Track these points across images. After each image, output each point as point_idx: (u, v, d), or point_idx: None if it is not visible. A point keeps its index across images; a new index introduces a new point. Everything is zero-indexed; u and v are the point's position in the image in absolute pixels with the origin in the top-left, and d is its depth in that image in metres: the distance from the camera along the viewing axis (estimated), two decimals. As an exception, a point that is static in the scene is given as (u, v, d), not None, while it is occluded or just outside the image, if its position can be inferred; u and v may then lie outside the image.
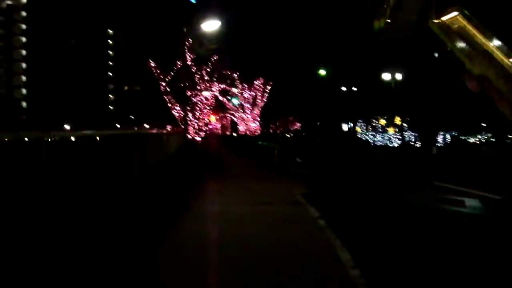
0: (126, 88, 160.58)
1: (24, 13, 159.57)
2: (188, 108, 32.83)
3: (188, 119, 32.81)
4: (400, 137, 67.91)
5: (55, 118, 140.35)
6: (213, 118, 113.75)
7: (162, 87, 31.45)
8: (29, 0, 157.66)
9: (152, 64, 31.36)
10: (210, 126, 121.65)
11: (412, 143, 63.30)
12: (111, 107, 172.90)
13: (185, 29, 24.58)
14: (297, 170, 30.08)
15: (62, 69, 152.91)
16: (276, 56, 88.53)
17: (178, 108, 32.01)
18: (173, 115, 32.66)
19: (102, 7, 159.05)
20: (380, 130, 76.81)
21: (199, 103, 33.52)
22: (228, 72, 42.68)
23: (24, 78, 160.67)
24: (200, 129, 33.73)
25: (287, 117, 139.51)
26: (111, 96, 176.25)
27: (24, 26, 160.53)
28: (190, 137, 33.43)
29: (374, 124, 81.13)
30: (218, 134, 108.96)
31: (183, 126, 33.03)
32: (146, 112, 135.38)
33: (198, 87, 33.27)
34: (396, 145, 70.11)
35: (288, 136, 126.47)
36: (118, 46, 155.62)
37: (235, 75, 52.72)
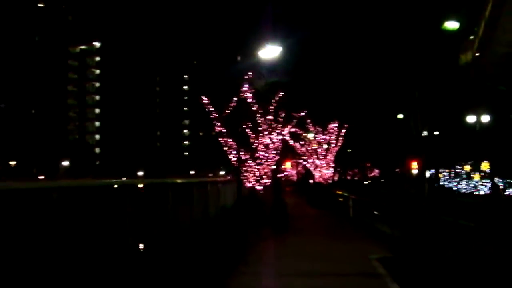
0: (201, 133, 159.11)
1: (97, 58, 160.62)
2: (247, 152, 28.69)
3: (248, 165, 28.67)
4: (490, 184, 62.61)
5: (128, 164, 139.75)
6: (288, 165, 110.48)
7: (217, 128, 27.44)
8: (103, 45, 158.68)
9: (205, 101, 27.51)
10: (286, 173, 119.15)
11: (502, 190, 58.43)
12: (186, 153, 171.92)
13: (238, 58, 21.05)
14: (373, 224, 25.71)
15: (136, 114, 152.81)
16: (351, 97, 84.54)
17: (235, 152, 27.94)
18: (230, 160, 28.58)
19: (177, 51, 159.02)
20: (465, 177, 71.86)
21: (261, 146, 29.31)
22: (299, 114, 38.06)
23: (97, 123, 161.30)
24: (261, 177, 29.41)
25: (364, 163, 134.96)
26: (186, 142, 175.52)
27: (97, 71, 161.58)
28: (249, 185, 29.24)
29: (457, 171, 76.57)
30: (293, 181, 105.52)
31: (241, 173, 28.94)
32: (203, 157, 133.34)
33: (260, 128, 29.05)
34: (482, 192, 64.70)
35: (366, 183, 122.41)
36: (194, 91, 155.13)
37: (306, 117, 48.39)
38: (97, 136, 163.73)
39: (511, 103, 50.57)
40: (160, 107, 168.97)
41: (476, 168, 70.09)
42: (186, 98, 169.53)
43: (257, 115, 28.67)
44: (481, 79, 41.55)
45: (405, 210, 23.18)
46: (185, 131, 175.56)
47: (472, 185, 68.91)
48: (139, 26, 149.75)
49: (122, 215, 10.02)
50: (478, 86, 45.71)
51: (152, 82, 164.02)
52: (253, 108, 28.38)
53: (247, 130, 28.89)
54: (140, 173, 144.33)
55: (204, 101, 27.61)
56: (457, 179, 74.88)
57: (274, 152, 32.30)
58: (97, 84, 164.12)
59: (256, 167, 28.99)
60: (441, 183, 73.48)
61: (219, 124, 27.45)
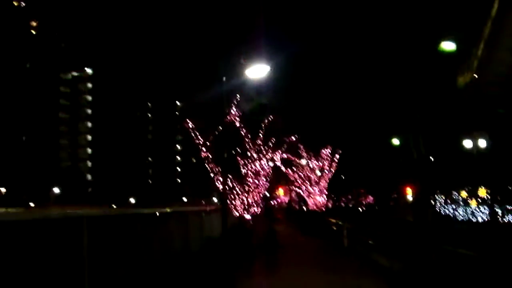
0: (194, 160, 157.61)
1: (89, 85, 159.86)
2: (235, 179, 26.98)
3: (235, 192, 26.95)
4: (488, 211, 60.89)
5: (120, 191, 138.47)
6: (281, 192, 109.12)
7: (203, 153, 25.78)
8: (95, 72, 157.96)
9: (190, 125, 25.94)
10: (279, 200, 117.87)
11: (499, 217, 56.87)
12: (178, 180, 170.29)
13: (224, 78, 19.59)
14: (369, 255, 24.08)
15: (128, 140, 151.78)
16: (344, 121, 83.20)
17: (222, 179, 26.24)
18: (217, 187, 26.82)
19: (169, 77, 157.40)
20: (461, 203, 70.16)
21: (250, 173, 27.56)
22: (290, 138, 36.15)
23: (89, 150, 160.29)
24: (250, 205, 27.68)
25: (359, 189, 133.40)
26: (178, 168, 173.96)
27: (89, 98, 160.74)
28: (237, 214, 27.52)
29: (454, 197, 75.00)
30: (285, 208, 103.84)
31: (230, 201, 27.19)
32: (196, 184, 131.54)
33: (249, 154, 27.36)
34: (480, 219, 62.97)
35: (360, 210, 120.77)
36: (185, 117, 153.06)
37: (298, 142, 46.84)
38: (89, 163, 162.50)
39: (510, 126, 49.16)
40: (152, 134, 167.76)
41: (472, 194, 68.36)
42: (178, 124, 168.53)
43: (246, 139, 27.07)
44: (479, 101, 40.22)
45: (404, 240, 21.54)
46: (178, 157, 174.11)
47: (470, 212, 67.10)
48: (131, 52, 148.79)
49: (67, 256, 8.39)
50: (476, 108, 44.32)
51: (144, 109, 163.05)
52: (241, 133, 26.80)
53: (235, 155, 27.32)
54: (132, 200, 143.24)
55: (189, 125, 26.08)
56: (453, 205, 73.16)
57: (264, 179, 30.76)
58: (89, 111, 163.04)
59: (245, 194, 27.34)
60: (437, 210, 71.92)
61: (204, 149, 25.88)
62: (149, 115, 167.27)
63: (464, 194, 70.57)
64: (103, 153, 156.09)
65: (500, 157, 56.63)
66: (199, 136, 25.90)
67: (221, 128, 23.12)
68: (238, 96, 25.67)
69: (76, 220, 9.18)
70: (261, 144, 28.73)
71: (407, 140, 68.93)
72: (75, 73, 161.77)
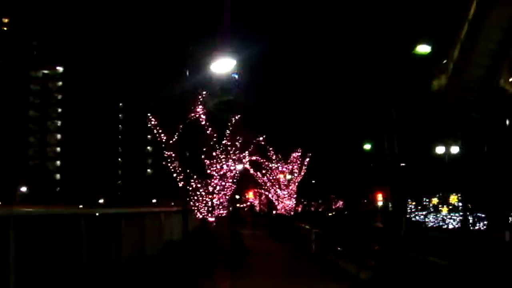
0: (164, 162, 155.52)
1: (60, 83, 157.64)
2: (199, 180, 25.59)
3: (199, 194, 25.56)
4: (458, 218, 60.41)
5: (89, 191, 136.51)
6: (250, 195, 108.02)
7: (166, 152, 24.37)
8: (66, 70, 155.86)
9: (153, 121, 24.56)
10: (248, 203, 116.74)
11: (471, 225, 56.30)
12: (149, 181, 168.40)
13: (187, 72, 18.28)
14: (337, 261, 23.01)
15: (98, 140, 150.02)
16: (315, 124, 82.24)
17: (184, 179, 24.89)
18: (180, 188, 25.40)
19: (141, 76, 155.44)
20: (432, 210, 69.70)
21: (215, 174, 26.18)
22: (258, 139, 34.41)
23: (58, 149, 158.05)
24: (215, 208, 26.32)
25: (329, 194, 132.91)
26: (149, 170, 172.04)
27: (60, 96, 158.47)
28: (200, 216, 26.16)
29: (425, 203, 74.54)
30: (256, 211, 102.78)
31: (194, 203, 25.84)
32: (165, 186, 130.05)
33: (214, 154, 25.96)
34: (451, 226, 62.45)
35: (330, 215, 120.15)
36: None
37: (267, 144, 45.63)
38: (58, 162, 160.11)
39: (483, 132, 48.49)
40: (122, 134, 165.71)
41: (444, 201, 67.90)
42: (150, 125, 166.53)
43: (211, 138, 25.76)
44: (454, 105, 39.38)
45: (374, 248, 20.48)
46: (149, 159, 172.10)
47: (440, 219, 66.62)
48: (102, 51, 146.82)
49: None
50: (450, 113, 43.54)
51: (115, 108, 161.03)
52: (206, 131, 25.47)
53: (199, 155, 26.01)
54: (101, 201, 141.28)
55: (152, 122, 24.75)
56: (424, 212, 72.67)
57: (231, 181, 29.53)
58: (59, 110, 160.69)
59: (209, 196, 26.01)
60: (407, 216, 71.30)
61: (168, 148, 24.54)
62: (120, 115, 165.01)
63: (435, 200, 70.11)
64: (72, 153, 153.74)
65: (472, 164, 56.05)
66: (162, 135, 24.55)
67: (183, 126, 21.86)
68: (203, 92, 24.39)
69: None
70: (228, 144, 27.42)
71: (380, 143, 68.12)
72: (45, 71, 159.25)
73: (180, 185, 24.22)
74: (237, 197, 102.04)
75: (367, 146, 73.63)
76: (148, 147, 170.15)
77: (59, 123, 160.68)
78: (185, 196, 19.69)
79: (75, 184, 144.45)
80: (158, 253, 18.80)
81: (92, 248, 11.49)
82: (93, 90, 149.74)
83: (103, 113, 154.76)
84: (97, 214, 13.55)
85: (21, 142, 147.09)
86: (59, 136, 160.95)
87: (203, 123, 25.00)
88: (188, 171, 24.07)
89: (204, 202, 25.63)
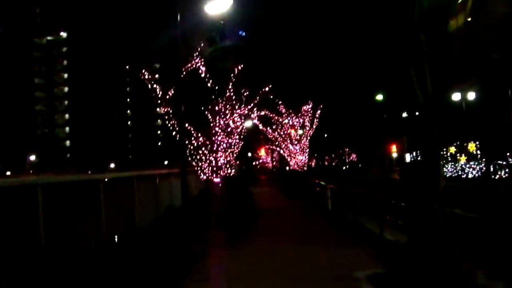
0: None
1: (65, 48, 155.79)
2: (202, 138, 23.35)
3: (201, 152, 23.37)
4: (478, 167, 58.09)
5: (99, 156, 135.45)
6: (262, 152, 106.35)
7: (163, 108, 22.19)
8: (70, 35, 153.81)
9: (146, 76, 22.41)
10: (261, 161, 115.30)
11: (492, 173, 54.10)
12: (159, 143, 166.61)
13: (178, 16, 16.11)
14: (358, 221, 20.94)
15: (107, 104, 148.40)
16: (324, 75, 79.59)
17: (183, 137, 22.62)
18: (178, 147, 23.09)
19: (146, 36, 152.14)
20: (450, 159, 67.39)
21: (219, 130, 23.89)
22: (264, 89, 31.36)
23: (67, 116, 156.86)
24: (221, 167, 24.14)
25: (342, 147, 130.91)
26: (159, 132, 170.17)
27: (65, 62, 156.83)
28: (204, 178, 24.02)
29: (442, 153, 72.30)
30: (269, 168, 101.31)
31: (196, 163, 23.66)
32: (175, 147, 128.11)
33: (217, 108, 23.70)
34: (471, 176, 60.09)
35: (344, 168, 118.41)
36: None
37: (275, 97, 43.39)
38: (67, 129, 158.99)
39: (503, 75, 45.83)
40: (131, 97, 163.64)
41: (462, 149, 65.60)
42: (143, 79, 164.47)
43: (213, 92, 23.53)
44: (472, 46, 36.74)
45: (395, 202, 18.33)
46: (158, 121, 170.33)
47: (459, 168, 64.28)
48: (106, 13, 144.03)
49: None
50: (468, 55, 40.87)
51: (122, 71, 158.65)
52: (208, 84, 23.25)
53: (199, 109, 23.80)
54: (112, 165, 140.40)
55: (145, 76, 22.60)
56: (442, 162, 70.48)
57: (238, 137, 27.43)
58: (66, 75, 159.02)
59: (213, 154, 23.88)
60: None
61: (165, 104, 22.38)
62: (127, 78, 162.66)
63: (452, 149, 67.82)
64: (81, 119, 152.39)
65: (492, 110, 53.48)
66: (157, 89, 22.37)
67: (179, 77, 19.67)
68: (199, 39, 22.12)
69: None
70: (232, 97, 25.18)
71: (393, 93, 65.80)
72: (49, 37, 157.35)
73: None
74: (249, 155, 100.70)
75: (380, 97, 71.51)
76: (158, 109, 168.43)
77: (66, 89, 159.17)
78: (183, 155, 17.53)
79: (85, 150, 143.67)
80: (153, 224, 16.79)
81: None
82: (98, 54, 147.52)
83: (110, 76, 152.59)
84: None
85: (29, 111, 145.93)
86: (66, 102, 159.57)
87: (203, 75, 22.81)
88: (186, 126, 21.99)
89: (208, 161, 23.55)
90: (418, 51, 12.04)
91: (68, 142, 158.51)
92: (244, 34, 48.77)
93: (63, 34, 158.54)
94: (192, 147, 23.22)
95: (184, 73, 21.33)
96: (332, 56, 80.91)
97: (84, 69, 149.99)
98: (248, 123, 41.64)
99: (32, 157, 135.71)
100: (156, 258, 12.61)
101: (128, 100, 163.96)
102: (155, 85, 22.59)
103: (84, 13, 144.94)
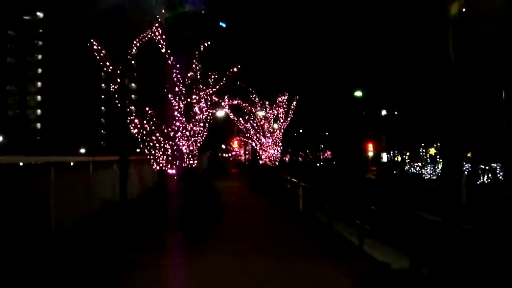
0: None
1: (40, 30, 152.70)
2: (155, 121, 20.10)
3: (154, 139, 20.12)
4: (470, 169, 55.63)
5: (70, 140, 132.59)
6: (236, 144, 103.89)
7: (112, 86, 18.98)
8: (46, 15, 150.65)
9: (95, 46, 19.33)
10: (234, 153, 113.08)
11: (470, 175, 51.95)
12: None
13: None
14: (331, 224, 18.05)
15: (80, 88, 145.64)
16: (301, 67, 77.26)
17: (138, 121, 19.47)
18: (132, 133, 19.88)
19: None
20: (428, 161, 65.16)
21: (178, 115, 20.72)
22: (233, 69, 27.72)
23: (39, 98, 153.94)
24: (177, 157, 21.01)
25: (317, 143, 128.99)
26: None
27: (40, 43, 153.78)
28: (157, 168, 20.77)
29: (421, 154, 70.07)
30: (241, 161, 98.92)
31: (149, 151, 20.40)
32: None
33: (177, 89, 20.49)
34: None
35: (318, 165, 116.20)
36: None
37: (246, 85, 40.58)
38: (39, 111, 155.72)
39: (496, 74, 43.20)
40: (105, 81, 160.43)
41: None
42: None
43: (171, 68, 20.32)
44: (470, 36, 33.91)
45: (377, 206, 15.40)
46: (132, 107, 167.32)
47: (438, 170, 62.08)
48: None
49: None
50: (464, 46, 38.08)
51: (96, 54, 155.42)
52: (167, 60, 20.06)
53: (156, 88, 20.61)
54: (82, 151, 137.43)
55: (95, 48, 19.46)
56: (420, 164, 68.10)
57: (203, 125, 24.42)
58: (40, 57, 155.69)
59: (170, 142, 20.61)
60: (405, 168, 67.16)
61: (115, 80, 19.13)
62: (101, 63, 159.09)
63: (432, 150, 65.79)
64: (53, 101, 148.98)
65: (479, 111, 50.93)
66: (107, 63, 19.19)
67: (130, 49, 16.54)
68: (155, 2, 18.93)
69: None
70: (196, 76, 22.08)
71: (371, 89, 63.39)
72: (25, 17, 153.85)
73: (132, 128, 19.06)
74: (223, 146, 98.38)
75: (358, 93, 69.12)
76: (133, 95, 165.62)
77: (39, 70, 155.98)
78: (122, 138, 14.47)
79: (56, 133, 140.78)
80: (80, 224, 13.57)
81: None
82: (73, 35, 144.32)
83: (85, 60, 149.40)
84: None
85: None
86: (39, 84, 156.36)
87: (162, 48, 19.61)
88: (128, 105, 18.81)
89: (163, 149, 20.33)
90: (442, 17, 9.35)
91: (39, 125, 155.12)
92: (223, 24, 45.94)
93: (40, 14, 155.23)
94: (144, 132, 20.06)
95: (136, 43, 18.30)
96: (312, 47, 78.72)
97: (58, 50, 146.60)
98: (221, 113, 39.00)
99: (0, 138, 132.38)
100: (67, 273, 9.55)
101: (102, 85, 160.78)
102: (103, 57, 19.42)
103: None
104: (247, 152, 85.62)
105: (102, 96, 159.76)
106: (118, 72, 18.05)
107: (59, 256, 10.61)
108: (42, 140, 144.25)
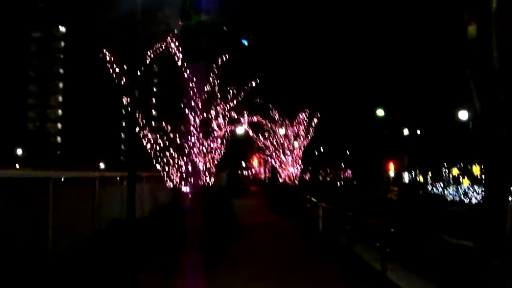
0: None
1: (62, 43, 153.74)
2: (170, 136, 19.42)
3: (168, 155, 19.42)
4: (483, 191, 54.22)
5: (90, 155, 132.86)
6: (255, 162, 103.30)
7: (125, 99, 18.31)
8: (68, 30, 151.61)
9: (107, 57, 18.71)
10: (254, 171, 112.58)
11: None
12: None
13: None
14: (351, 247, 17.17)
15: (101, 102, 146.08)
16: (323, 86, 76.46)
17: (152, 136, 18.82)
18: (145, 148, 19.16)
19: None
20: (451, 182, 63.88)
21: (193, 130, 20.04)
22: (250, 82, 26.73)
23: (60, 112, 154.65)
24: (191, 174, 20.29)
25: (339, 163, 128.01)
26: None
27: (61, 56, 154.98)
28: (171, 185, 20.03)
29: (444, 174, 68.93)
30: (260, 179, 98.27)
31: (162, 167, 19.68)
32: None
33: (193, 104, 19.79)
34: (475, 201, 55.96)
35: (338, 184, 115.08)
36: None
37: (267, 101, 39.90)
38: (59, 125, 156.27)
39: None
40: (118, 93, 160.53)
41: (465, 171, 62.10)
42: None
43: (188, 83, 19.62)
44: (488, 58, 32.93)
45: (400, 229, 14.51)
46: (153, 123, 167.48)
47: (462, 192, 60.40)
48: (103, 9, 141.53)
49: None
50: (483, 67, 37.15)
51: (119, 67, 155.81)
52: (184, 74, 19.36)
53: (173, 102, 19.93)
54: (102, 165, 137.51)
55: (106, 57, 18.81)
56: (442, 184, 66.73)
57: (220, 141, 23.69)
58: (61, 70, 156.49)
59: (185, 159, 19.89)
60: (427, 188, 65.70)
61: (127, 91, 18.44)
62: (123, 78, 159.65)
63: (455, 171, 64.27)
64: (74, 115, 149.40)
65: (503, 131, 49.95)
66: (119, 73, 18.51)
67: (144, 60, 15.85)
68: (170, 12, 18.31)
69: None
70: (214, 91, 21.34)
71: (393, 107, 62.49)
72: (47, 31, 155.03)
73: (144, 142, 18.32)
74: (244, 164, 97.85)
75: (380, 112, 68.08)
76: (153, 111, 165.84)
77: (61, 84, 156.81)
78: (131, 154, 13.73)
79: (76, 147, 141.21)
80: (84, 242, 12.71)
81: None
82: (95, 49, 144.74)
83: (105, 72, 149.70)
84: None
85: (21, 104, 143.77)
86: (60, 98, 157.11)
87: (180, 63, 18.91)
88: (140, 118, 18.10)
89: (177, 166, 19.60)
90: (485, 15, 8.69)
91: (59, 139, 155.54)
92: (245, 42, 45.39)
93: (62, 29, 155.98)
94: (157, 147, 19.34)
95: (151, 54, 17.61)
96: (334, 65, 77.83)
97: (79, 65, 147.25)
98: (240, 130, 38.26)
99: (19, 151, 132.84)
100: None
101: (124, 99, 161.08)
102: (116, 69, 18.74)
103: (83, 8, 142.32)
104: (267, 170, 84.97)
105: (123, 111, 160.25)
106: (130, 82, 17.41)
107: (58, 278, 9.82)
108: (62, 154, 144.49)
